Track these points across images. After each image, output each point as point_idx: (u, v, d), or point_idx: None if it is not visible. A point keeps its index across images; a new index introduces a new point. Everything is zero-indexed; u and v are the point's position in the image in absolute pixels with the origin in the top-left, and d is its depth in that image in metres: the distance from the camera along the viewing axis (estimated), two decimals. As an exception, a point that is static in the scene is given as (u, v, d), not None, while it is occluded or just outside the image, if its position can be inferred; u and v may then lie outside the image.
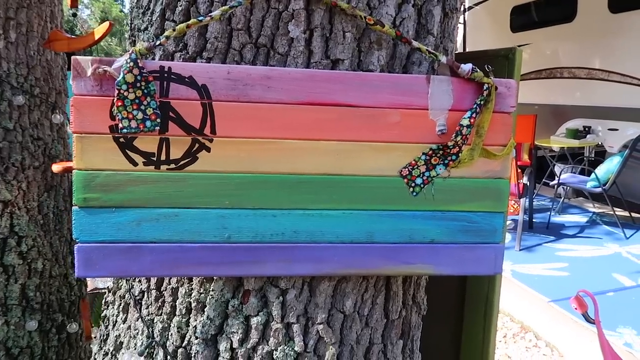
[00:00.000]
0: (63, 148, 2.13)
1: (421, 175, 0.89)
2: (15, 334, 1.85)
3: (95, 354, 1.18)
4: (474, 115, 0.87)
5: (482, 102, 0.88)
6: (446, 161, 0.89)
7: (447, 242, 0.92)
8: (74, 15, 1.96)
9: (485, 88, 0.87)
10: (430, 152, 0.89)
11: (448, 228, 0.91)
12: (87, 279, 2.36)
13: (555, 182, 5.23)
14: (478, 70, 0.87)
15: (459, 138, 0.87)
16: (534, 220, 5.11)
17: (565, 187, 5.42)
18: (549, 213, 5.32)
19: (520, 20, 6.78)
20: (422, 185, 0.89)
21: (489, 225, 0.93)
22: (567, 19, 5.97)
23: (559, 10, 6.11)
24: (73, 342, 2.10)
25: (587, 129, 5.82)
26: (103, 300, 1.19)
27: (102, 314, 1.18)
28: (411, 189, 0.89)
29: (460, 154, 0.89)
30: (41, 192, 2.01)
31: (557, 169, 5.60)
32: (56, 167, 1.39)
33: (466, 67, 0.88)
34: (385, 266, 0.91)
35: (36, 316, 1.92)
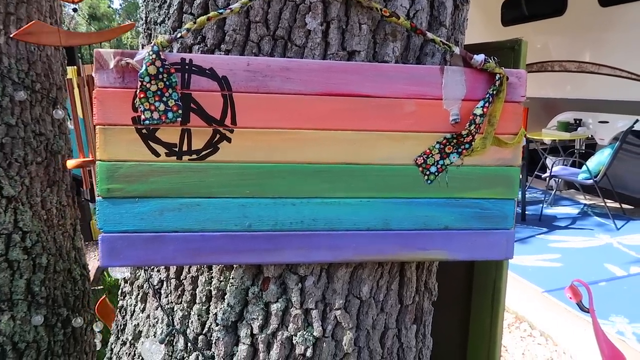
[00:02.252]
0: (64, 143, 2.13)
1: (435, 163, 0.92)
2: (21, 328, 1.86)
3: (112, 343, 1.19)
4: (486, 104, 0.90)
5: (494, 92, 0.90)
6: (460, 149, 0.92)
7: (460, 228, 0.94)
8: (75, 10, 1.96)
9: (497, 78, 0.90)
10: (445, 140, 0.91)
11: (461, 214, 0.94)
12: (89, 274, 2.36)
13: (547, 174, 5.30)
14: (490, 60, 0.90)
15: (472, 127, 0.89)
16: (526, 212, 5.18)
17: (556, 179, 5.49)
18: (541, 205, 5.39)
19: (511, 14, 6.83)
20: (436, 173, 0.92)
21: (501, 212, 0.95)
22: (558, 12, 6.02)
23: (550, 4, 6.17)
24: (78, 337, 2.11)
25: (578, 121, 5.90)
26: (119, 291, 1.20)
27: (119, 304, 1.20)
28: (426, 177, 0.92)
29: (473, 143, 0.91)
30: (44, 188, 2.01)
31: (549, 161, 5.66)
32: (71, 163, 1.40)
33: (479, 58, 0.90)
34: (401, 252, 0.93)
35: (42, 311, 1.93)
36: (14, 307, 1.86)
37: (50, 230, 2.03)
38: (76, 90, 1.74)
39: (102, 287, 4.04)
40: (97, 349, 2.23)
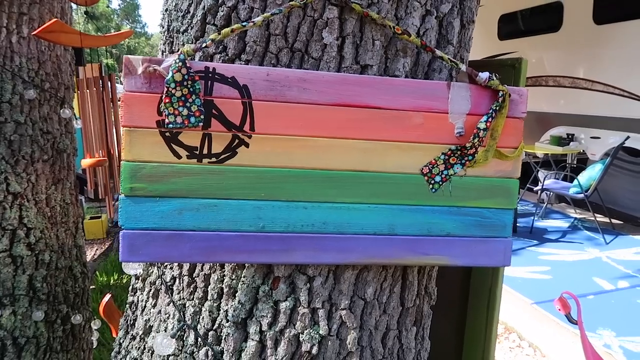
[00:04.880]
0: (70, 142, 2.17)
1: (440, 173, 0.97)
2: (22, 323, 1.89)
3: (121, 338, 1.23)
4: (489, 119, 0.95)
5: (497, 108, 0.96)
6: (463, 161, 0.97)
7: (461, 235, 1.00)
8: (86, 13, 2.01)
9: (500, 95, 0.95)
10: (449, 152, 0.96)
11: (463, 222, 0.99)
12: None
13: (538, 187, 5.38)
14: (494, 78, 0.95)
15: (476, 140, 0.95)
16: (517, 224, 5.25)
17: (548, 192, 5.58)
18: (532, 218, 5.46)
19: (508, 28, 6.95)
20: (440, 183, 0.97)
21: (500, 221, 1.01)
22: (553, 28, 6.14)
23: (545, 20, 6.28)
24: (77, 333, 2.14)
25: (570, 136, 5.99)
26: (130, 287, 1.24)
27: (129, 300, 1.23)
28: (431, 186, 0.97)
29: (476, 155, 0.97)
30: (49, 185, 2.04)
31: (541, 175, 5.75)
32: (86, 162, 1.43)
33: (483, 76, 0.96)
34: (405, 256, 0.98)
35: (42, 307, 1.95)
36: (16, 302, 1.89)
37: (54, 228, 2.07)
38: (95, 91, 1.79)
39: (94, 287, 4.06)
40: (94, 346, 2.25)
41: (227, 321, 1.01)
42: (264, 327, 0.99)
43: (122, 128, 0.88)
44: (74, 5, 2.21)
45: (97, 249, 4.91)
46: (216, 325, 1.02)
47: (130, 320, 1.21)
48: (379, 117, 0.94)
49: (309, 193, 0.94)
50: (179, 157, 0.90)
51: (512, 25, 6.89)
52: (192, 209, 0.91)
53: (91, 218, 5.22)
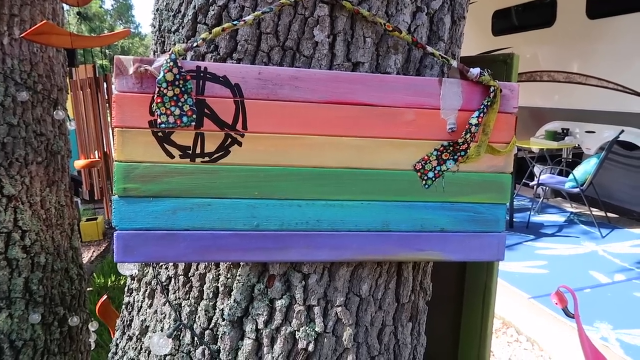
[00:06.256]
0: (64, 144, 2.16)
1: (433, 169, 0.97)
2: (19, 326, 1.88)
3: (117, 339, 1.23)
4: (481, 115, 0.96)
5: (488, 103, 0.96)
6: (456, 156, 0.97)
7: (455, 231, 1.00)
8: (79, 14, 2.00)
9: (491, 90, 0.96)
10: (442, 148, 0.97)
11: (456, 218, 1.00)
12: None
13: (534, 182, 5.40)
14: (485, 74, 0.96)
15: (468, 135, 0.95)
16: (514, 219, 5.27)
17: (544, 187, 5.59)
18: (528, 213, 5.48)
19: (502, 24, 6.96)
20: (433, 179, 0.98)
21: (493, 216, 1.01)
22: (547, 24, 6.15)
23: (539, 15, 6.29)
24: (74, 335, 2.13)
25: (565, 131, 6.01)
26: (126, 288, 1.24)
27: (125, 301, 1.23)
28: (424, 182, 0.98)
29: (468, 150, 0.97)
30: (43, 187, 2.04)
31: (537, 169, 5.77)
32: (79, 163, 1.43)
33: (475, 71, 0.96)
34: (399, 253, 0.99)
35: (39, 309, 1.95)
36: (12, 305, 1.88)
37: (49, 230, 2.06)
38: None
39: (91, 288, 4.06)
40: (92, 348, 2.25)
41: (223, 320, 1.01)
42: (260, 325, 1.00)
43: (114, 128, 0.88)
44: (66, 6, 2.20)
45: (93, 251, 4.91)
46: (212, 324, 1.03)
47: (127, 321, 1.22)
48: (371, 114, 0.94)
49: (303, 191, 0.94)
50: (172, 156, 0.90)
51: (505, 21, 6.90)
52: (185, 208, 0.91)
53: (87, 220, 5.21)
